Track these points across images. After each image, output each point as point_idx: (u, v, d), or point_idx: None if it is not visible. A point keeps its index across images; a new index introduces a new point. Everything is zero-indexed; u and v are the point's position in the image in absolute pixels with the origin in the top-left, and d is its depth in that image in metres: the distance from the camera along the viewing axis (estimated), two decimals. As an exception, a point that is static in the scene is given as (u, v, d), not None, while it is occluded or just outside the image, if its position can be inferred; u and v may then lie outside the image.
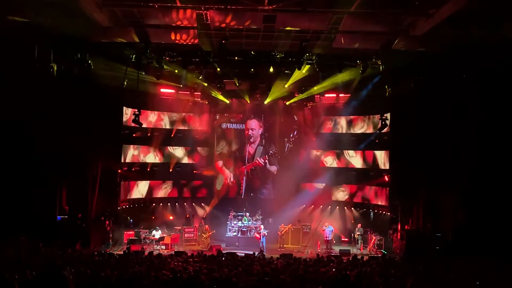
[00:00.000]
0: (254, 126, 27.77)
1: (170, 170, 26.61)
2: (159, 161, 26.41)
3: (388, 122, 22.10)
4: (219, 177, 27.90)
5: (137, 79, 21.15)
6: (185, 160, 27.38)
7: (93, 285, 10.38)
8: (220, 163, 27.92)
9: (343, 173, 26.58)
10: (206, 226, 24.58)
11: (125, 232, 23.37)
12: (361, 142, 25.63)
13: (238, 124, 27.95)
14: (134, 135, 24.12)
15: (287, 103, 26.33)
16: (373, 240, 23.33)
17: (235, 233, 24.66)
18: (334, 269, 13.42)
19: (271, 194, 27.59)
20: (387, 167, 24.07)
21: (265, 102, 26.02)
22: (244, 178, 27.71)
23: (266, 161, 27.44)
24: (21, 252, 15.23)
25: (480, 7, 14.41)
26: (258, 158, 27.55)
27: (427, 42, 17.63)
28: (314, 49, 19.77)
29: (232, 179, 27.88)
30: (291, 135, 27.48)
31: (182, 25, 17.12)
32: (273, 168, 27.64)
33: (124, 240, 22.89)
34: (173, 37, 18.30)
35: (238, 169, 27.83)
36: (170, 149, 26.89)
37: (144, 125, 23.32)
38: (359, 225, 24.22)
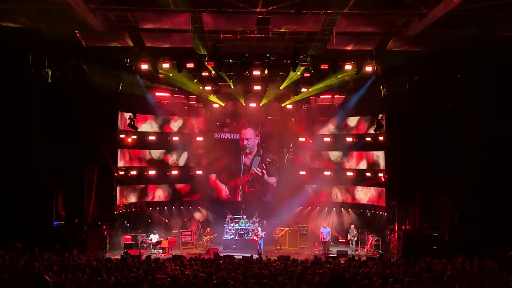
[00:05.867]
0: (250, 136, 27.42)
1: (167, 174, 26.52)
2: (155, 165, 26.33)
3: (383, 122, 22.16)
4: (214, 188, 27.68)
5: (132, 83, 21.17)
6: (181, 164, 27.29)
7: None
8: (214, 176, 27.50)
9: (339, 174, 26.56)
10: (208, 229, 24.51)
11: (123, 237, 23.33)
12: (357, 143, 25.63)
13: (232, 134, 27.57)
14: (129, 139, 24.07)
15: (282, 105, 26.28)
16: (370, 240, 23.36)
17: (232, 236, 24.59)
18: (331, 271, 13.43)
19: (269, 200, 27.41)
20: (383, 167, 24.08)
21: (261, 104, 25.95)
22: (240, 192, 27.46)
23: (264, 170, 27.19)
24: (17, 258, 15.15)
25: (472, 7, 14.49)
26: (255, 168, 27.28)
27: (421, 42, 17.69)
28: (308, 50, 19.81)
29: (227, 193, 27.62)
30: (291, 145, 27.27)
31: (176, 28, 17.11)
32: (272, 180, 27.35)
33: (121, 245, 22.85)
34: (167, 41, 18.30)
35: (234, 182, 27.53)
36: (166, 153, 26.81)
37: (139, 129, 23.35)
38: (352, 227, 24.22)
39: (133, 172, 24.93)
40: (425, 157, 20.62)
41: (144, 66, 20.38)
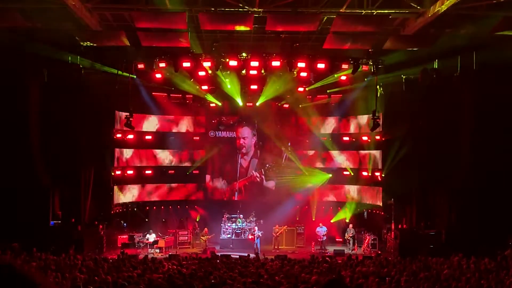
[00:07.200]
0: (247, 134, 27.02)
1: (163, 173, 26.45)
2: (151, 165, 26.27)
3: (380, 121, 22.17)
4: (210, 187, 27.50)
5: (129, 83, 21.13)
6: (178, 163, 27.20)
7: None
8: (209, 176, 27.29)
9: (336, 174, 26.55)
10: (205, 229, 24.41)
11: (119, 236, 23.29)
12: (354, 142, 25.62)
13: (228, 132, 27.25)
14: (126, 139, 24.00)
15: (279, 104, 26.23)
16: (367, 240, 23.38)
17: (229, 235, 24.53)
18: (328, 270, 13.45)
19: (266, 199, 27.25)
20: (380, 166, 24.06)
21: (257, 104, 25.84)
22: (236, 194, 27.19)
23: (263, 176, 26.97)
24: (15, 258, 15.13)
25: (469, 6, 14.52)
26: (253, 172, 27.12)
27: (418, 41, 17.73)
28: (305, 50, 19.81)
29: (224, 193, 27.38)
30: (288, 144, 27.11)
31: (172, 28, 17.10)
32: (271, 184, 27.07)
33: (118, 244, 22.82)
34: (164, 40, 18.28)
35: (230, 183, 27.28)
36: (163, 152, 26.77)
37: (136, 129, 23.30)
38: (350, 226, 24.23)
39: (130, 172, 24.88)
40: (422, 156, 20.65)
41: (141, 66, 20.35)
